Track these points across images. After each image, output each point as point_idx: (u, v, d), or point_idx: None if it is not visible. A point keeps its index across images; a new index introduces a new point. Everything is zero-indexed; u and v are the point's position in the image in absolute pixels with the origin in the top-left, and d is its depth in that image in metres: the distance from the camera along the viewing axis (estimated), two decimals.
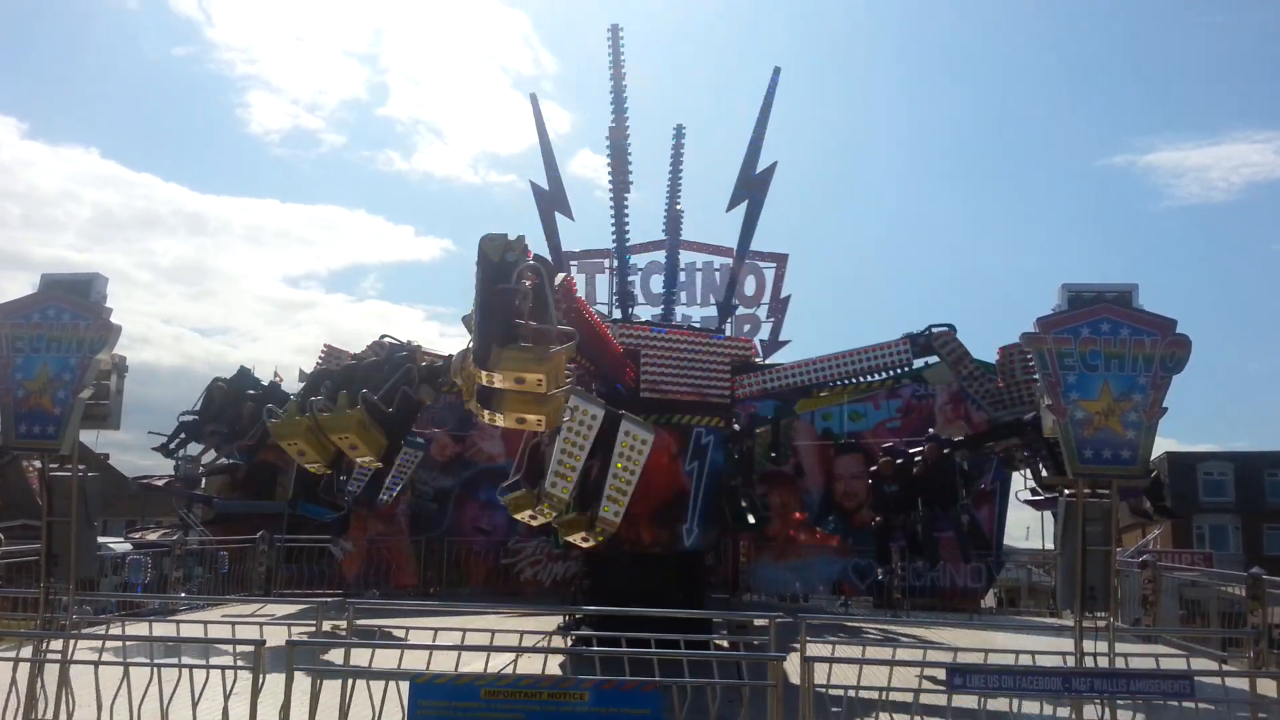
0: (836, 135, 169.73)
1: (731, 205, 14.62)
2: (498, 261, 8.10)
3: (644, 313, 22.12)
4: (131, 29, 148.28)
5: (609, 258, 22.59)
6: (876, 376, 13.55)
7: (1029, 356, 12.13)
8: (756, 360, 14.67)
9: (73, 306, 8.83)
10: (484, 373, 7.89)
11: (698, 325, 18.76)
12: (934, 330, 13.21)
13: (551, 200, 14.65)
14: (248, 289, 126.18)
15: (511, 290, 7.98)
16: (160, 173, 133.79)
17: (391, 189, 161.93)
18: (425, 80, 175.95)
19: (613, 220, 14.65)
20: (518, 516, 9.85)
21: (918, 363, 13.58)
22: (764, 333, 22.98)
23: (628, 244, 15.14)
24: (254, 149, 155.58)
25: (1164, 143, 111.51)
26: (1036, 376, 11.70)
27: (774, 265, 23.49)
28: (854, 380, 13.55)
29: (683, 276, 22.91)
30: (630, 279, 22.96)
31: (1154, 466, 12.12)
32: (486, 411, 8.26)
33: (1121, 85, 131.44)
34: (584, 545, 10.26)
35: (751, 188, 14.44)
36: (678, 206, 15.15)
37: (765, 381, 13.64)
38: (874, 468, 14.44)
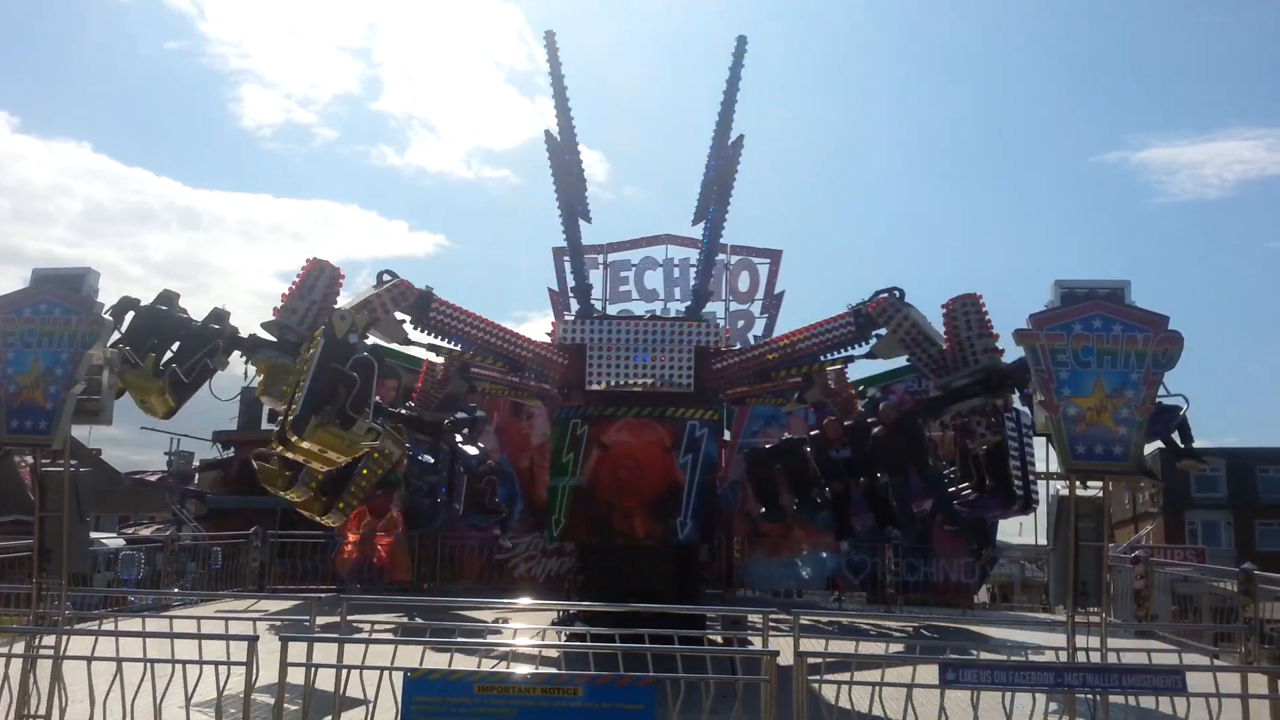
0: (832, 132, 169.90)
1: (700, 199, 13.68)
2: (340, 339, 9.17)
3: (638, 308, 22.16)
4: (124, 23, 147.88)
5: (603, 253, 22.59)
6: (828, 355, 12.74)
7: (978, 306, 11.46)
8: (724, 347, 13.83)
9: (64, 301, 8.83)
10: (293, 436, 8.88)
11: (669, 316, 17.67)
12: (876, 299, 11.96)
13: (565, 150, 13.60)
14: (240, 283, 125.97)
15: (342, 373, 8.99)
16: (153, 167, 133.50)
17: (385, 184, 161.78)
18: (418, 75, 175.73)
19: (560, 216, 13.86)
20: (263, 481, 10.93)
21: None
22: (758, 329, 22.96)
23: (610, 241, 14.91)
24: (247, 143, 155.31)
25: (1157, 139, 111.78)
26: (987, 331, 11.47)
27: (768, 261, 23.47)
28: (804, 361, 12.86)
29: (676, 272, 22.93)
30: (624, 274, 23.12)
31: (1183, 405, 11.12)
32: (280, 446, 9.26)
33: (1114, 82, 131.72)
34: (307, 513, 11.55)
35: (720, 171, 13.54)
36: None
37: (716, 364, 13.23)
38: (814, 431, 12.97)
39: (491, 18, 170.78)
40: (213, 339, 11.07)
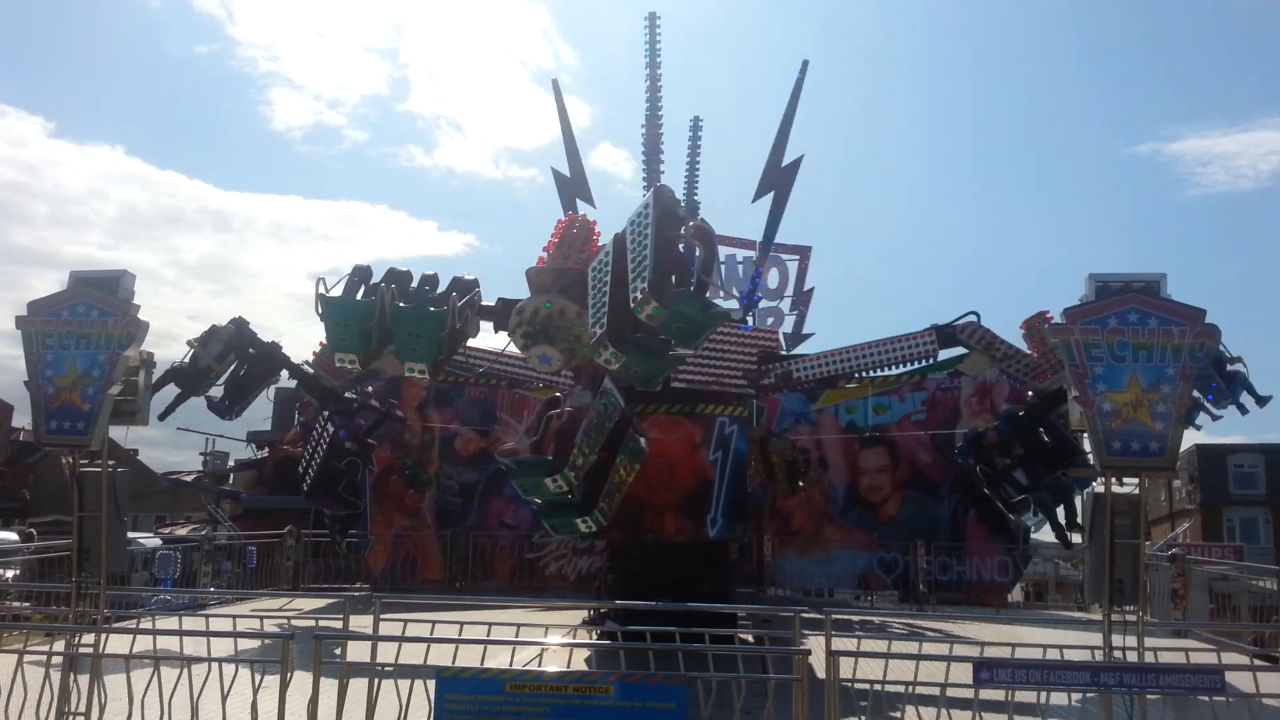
0: (861, 127, 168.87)
1: (757, 196, 14.60)
2: (671, 209, 8.18)
3: None
4: (154, 27, 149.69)
5: None
6: (902, 367, 13.61)
7: (1047, 319, 12.24)
8: (780, 351, 14.58)
9: (101, 303, 8.93)
10: (649, 305, 7.76)
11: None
12: (959, 323, 13.17)
13: (573, 187, 14.58)
14: (271, 285, 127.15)
15: (679, 238, 8.12)
16: (185, 170, 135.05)
17: (414, 184, 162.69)
18: (446, 75, 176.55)
19: None
20: (522, 488, 9.60)
21: (946, 354, 13.58)
22: (787, 325, 22.87)
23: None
24: (277, 146, 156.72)
25: (1190, 130, 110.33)
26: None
27: (797, 258, 23.35)
28: (880, 371, 13.59)
29: (723, 270, 22.85)
30: None
31: (1236, 356, 12.27)
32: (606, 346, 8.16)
33: (1146, 74, 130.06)
34: (564, 531, 10.28)
35: (777, 180, 14.44)
36: (695, 198, 15.07)
37: (795, 371, 13.75)
38: (973, 435, 13.43)
39: (517, 17, 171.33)
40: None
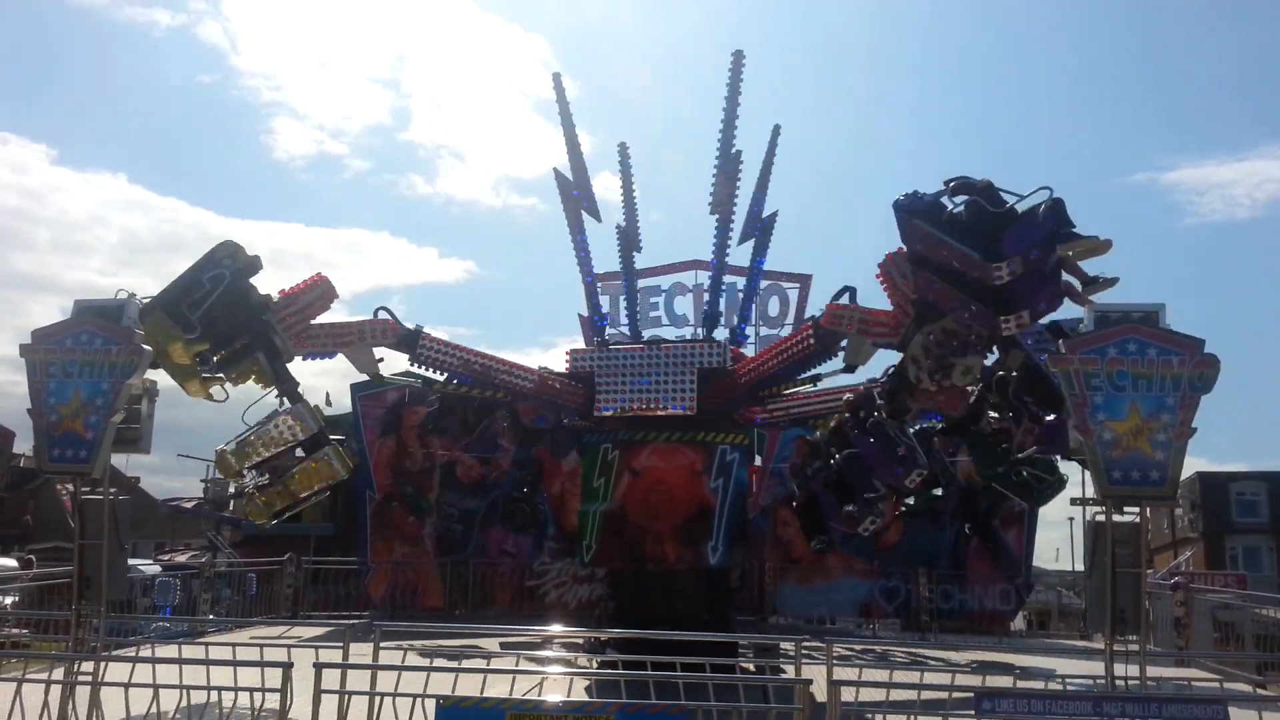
0: (857, 154, 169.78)
1: (741, 241, 13.98)
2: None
3: (668, 334, 22.15)
4: (157, 56, 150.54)
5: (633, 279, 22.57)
6: (799, 373, 12.47)
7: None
8: (728, 366, 13.68)
9: (105, 331, 8.98)
10: None
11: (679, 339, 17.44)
12: (828, 307, 11.08)
13: (577, 190, 13.91)
14: None
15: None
16: (186, 197, 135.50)
17: (415, 212, 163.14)
18: (447, 104, 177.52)
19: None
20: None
21: None
22: None
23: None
24: (279, 175, 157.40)
25: (1185, 160, 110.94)
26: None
27: (797, 286, 23.42)
28: (777, 381, 12.74)
29: (706, 297, 22.86)
30: (654, 300, 23.14)
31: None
32: None
33: (1141, 103, 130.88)
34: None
35: (757, 231, 13.88)
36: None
37: (784, 408, 13.43)
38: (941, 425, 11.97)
39: (517, 47, 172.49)
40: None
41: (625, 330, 16.30)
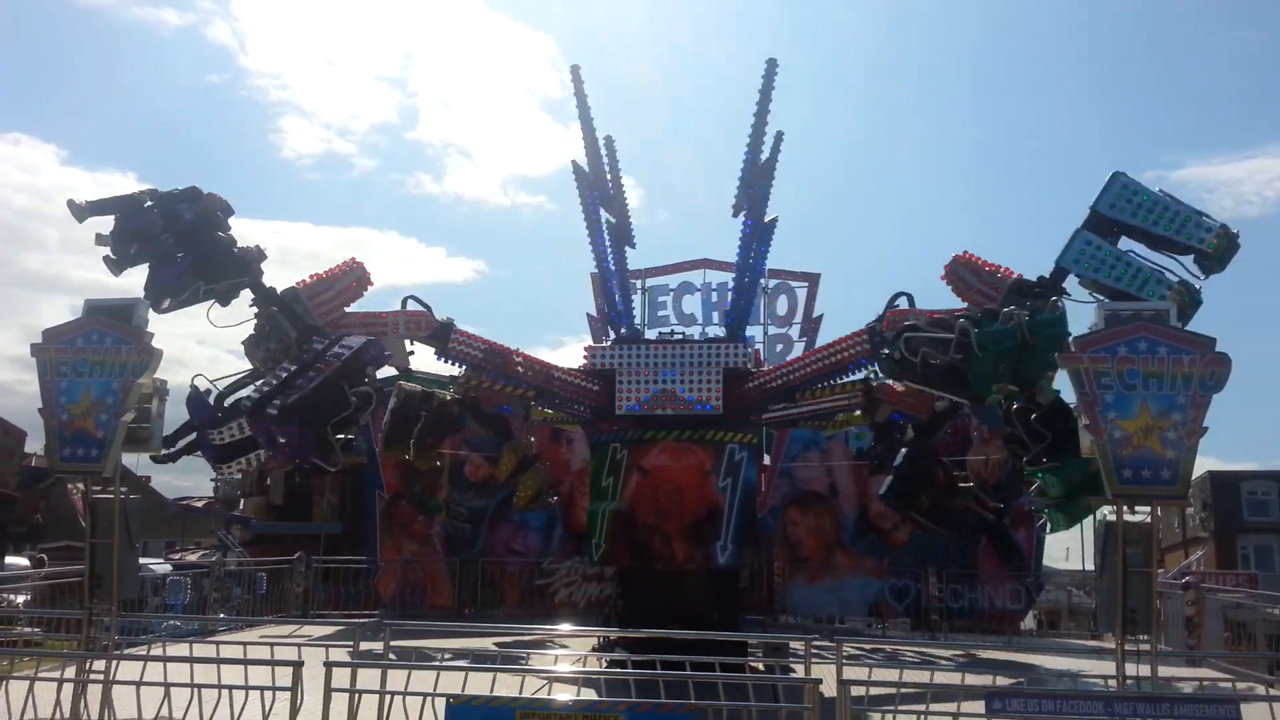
0: (863, 153, 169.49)
1: (736, 212, 13.73)
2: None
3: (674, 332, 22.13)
4: (166, 56, 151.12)
5: (641, 278, 22.59)
6: (844, 376, 12.66)
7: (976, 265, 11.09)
8: (759, 367, 13.74)
9: (115, 331, 9.00)
10: None
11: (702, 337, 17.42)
12: (887, 314, 11.42)
13: (595, 185, 13.76)
14: None
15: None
16: None
17: (423, 211, 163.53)
18: (454, 103, 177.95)
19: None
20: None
21: None
22: (796, 352, 22.81)
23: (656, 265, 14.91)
24: (287, 174, 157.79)
25: (1193, 158, 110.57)
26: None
27: (805, 285, 23.42)
28: (824, 381, 12.83)
29: (714, 297, 22.88)
30: (661, 299, 23.13)
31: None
32: None
33: (1148, 102, 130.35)
34: None
35: (754, 182, 13.56)
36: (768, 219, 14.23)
37: (748, 391, 13.26)
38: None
39: (524, 46, 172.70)
40: (241, 274, 11.05)
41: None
